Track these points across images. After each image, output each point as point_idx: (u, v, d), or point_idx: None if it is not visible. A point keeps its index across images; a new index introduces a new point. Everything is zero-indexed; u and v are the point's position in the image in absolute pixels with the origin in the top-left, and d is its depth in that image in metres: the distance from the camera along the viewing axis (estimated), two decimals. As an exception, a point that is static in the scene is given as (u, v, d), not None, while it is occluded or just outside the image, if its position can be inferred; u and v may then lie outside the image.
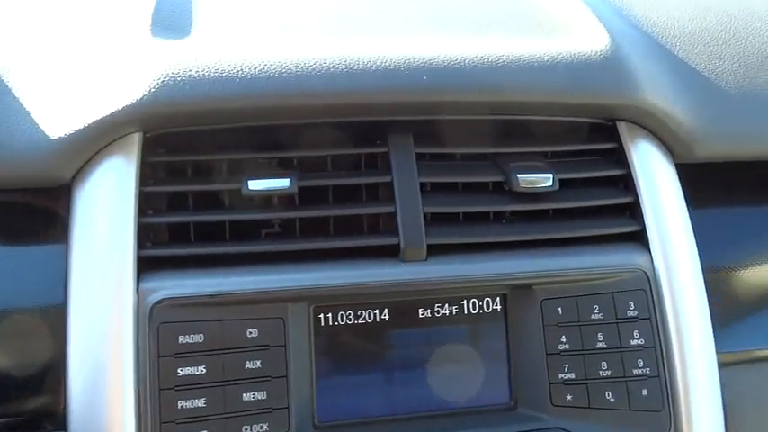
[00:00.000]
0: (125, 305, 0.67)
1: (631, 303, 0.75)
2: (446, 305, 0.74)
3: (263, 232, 0.74)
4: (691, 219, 0.81)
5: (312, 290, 0.70)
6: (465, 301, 0.74)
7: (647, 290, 0.76)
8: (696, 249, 0.79)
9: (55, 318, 0.69)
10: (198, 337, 0.67)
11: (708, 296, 0.79)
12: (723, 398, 0.77)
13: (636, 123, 0.82)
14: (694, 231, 0.80)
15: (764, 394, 0.81)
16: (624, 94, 0.79)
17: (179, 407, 0.66)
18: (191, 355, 0.67)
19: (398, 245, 0.72)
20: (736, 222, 0.89)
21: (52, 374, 0.68)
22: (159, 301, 0.67)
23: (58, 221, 0.72)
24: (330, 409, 0.71)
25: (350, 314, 0.72)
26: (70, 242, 0.70)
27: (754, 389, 0.81)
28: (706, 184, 0.86)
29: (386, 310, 0.73)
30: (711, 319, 0.78)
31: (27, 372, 0.70)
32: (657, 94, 0.81)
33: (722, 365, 0.78)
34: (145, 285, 0.68)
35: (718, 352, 0.78)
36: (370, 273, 0.71)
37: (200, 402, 0.66)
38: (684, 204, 0.81)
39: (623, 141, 0.81)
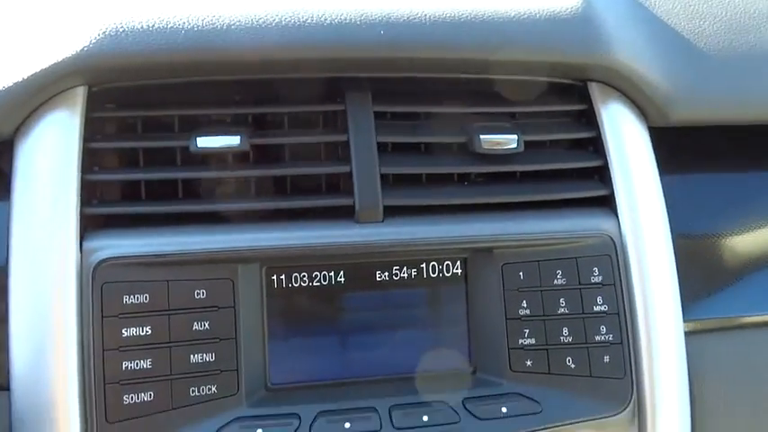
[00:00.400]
0: (68, 264, 0.65)
1: (596, 269, 0.73)
2: (404, 268, 0.72)
3: (215, 192, 0.71)
4: (662, 184, 0.78)
5: (263, 251, 0.68)
6: (424, 265, 0.72)
7: (612, 255, 0.74)
8: (666, 215, 0.77)
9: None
10: (143, 298, 0.65)
11: (676, 264, 0.77)
12: (689, 366, 0.75)
13: (608, 85, 0.79)
14: (665, 197, 0.78)
15: (731, 363, 0.79)
16: (595, 53, 0.76)
17: (123, 368, 0.64)
18: (136, 315, 0.65)
19: (353, 206, 0.70)
20: (708, 189, 0.87)
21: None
22: (103, 261, 0.65)
23: (1, 177, 0.70)
24: (284, 371, 0.69)
25: (304, 276, 0.70)
26: (12, 199, 0.68)
27: (720, 357, 0.79)
28: (679, 148, 0.84)
29: (341, 273, 0.71)
30: (679, 287, 0.76)
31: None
32: (631, 54, 0.78)
33: (688, 334, 0.76)
34: (88, 244, 0.66)
35: (684, 320, 0.76)
36: (324, 234, 0.69)
37: (145, 364, 0.64)
38: (656, 169, 0.79)
39: (594, 103, 0.79)
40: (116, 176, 0.69)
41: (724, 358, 0.79)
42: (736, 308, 0.81)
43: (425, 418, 0.67)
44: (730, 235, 0.84)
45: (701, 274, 0.81)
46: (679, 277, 0.76)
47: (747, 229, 0.85)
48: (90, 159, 0.68)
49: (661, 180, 0.78)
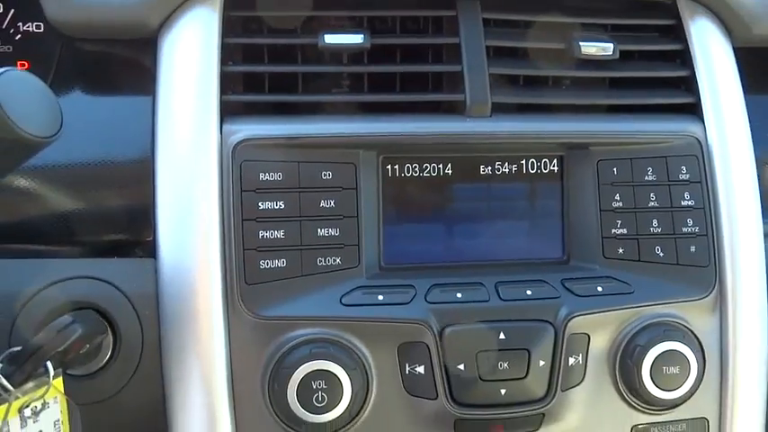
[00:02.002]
0: (210, 145, 0.72)
1: (683, 167, 0.79)
2: (506, 163, 0.78)
3: (337, 87, 0.78)
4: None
5: (382, 137, 0.74)
6: (524, 161, 0.78)
7: (698, 156, 0.79)
8: (747, 124, 0.82)
9: (145, 159, 0.74)
10: (277, 176, 0.72)
11: (757, 170, 0.82)
12: (767, 263, 0.81)
13: (695, 1, 0.84)
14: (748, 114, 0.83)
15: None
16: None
17: (260, 236, 0.71)
18: (271, 191, 0.72)
19: (464, 101, 0.76)
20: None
21: (143, 208, 0.74)
22: (241, 141, 0.72)
23: (146, 72, 0.77)
24: (396, 253, 0.76)
25: (416, 167, 0.76)
26: (157, 90, 0.75)
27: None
28: (763, 71, 0.89)
29: (449, 165, 0.77)
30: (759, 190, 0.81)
31: (121, 206, 0.76)
32: None
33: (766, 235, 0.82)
34: (228, 127, 0.73)
35: (765, 221, 0.81)
36: (437, 125, 0.76)
37: (279, 234, 0.71)
38: (739, 82, 0.84)
39: (683, 18, 0.84)
40: (252, 68, 0.76)
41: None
42: None
43: (529, 293, 0.73)
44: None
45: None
46: (759, 184, 0.82)
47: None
48: (227, 53, 0.75)
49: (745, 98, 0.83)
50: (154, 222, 0.73)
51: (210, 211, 0.71)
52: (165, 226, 0.73)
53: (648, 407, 0.76)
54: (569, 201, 0.78)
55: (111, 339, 0.72)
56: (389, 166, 0.76)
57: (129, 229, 0.75)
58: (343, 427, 0.70)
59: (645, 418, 0.76)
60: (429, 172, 0.77)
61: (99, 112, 0.79)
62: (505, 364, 0.71)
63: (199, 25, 0.75)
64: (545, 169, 0.79)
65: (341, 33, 0.75)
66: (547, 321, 0.72)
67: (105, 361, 0.71)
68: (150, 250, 0.73)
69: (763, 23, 0.85)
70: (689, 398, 0.75)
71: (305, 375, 0.68)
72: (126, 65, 0.80)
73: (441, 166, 0.77)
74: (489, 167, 0.78)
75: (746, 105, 0.83)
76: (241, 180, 0.72)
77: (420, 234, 0.77)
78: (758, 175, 0.82)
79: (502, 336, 0.71)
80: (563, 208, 0.78)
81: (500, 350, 0.71)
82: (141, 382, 0.72)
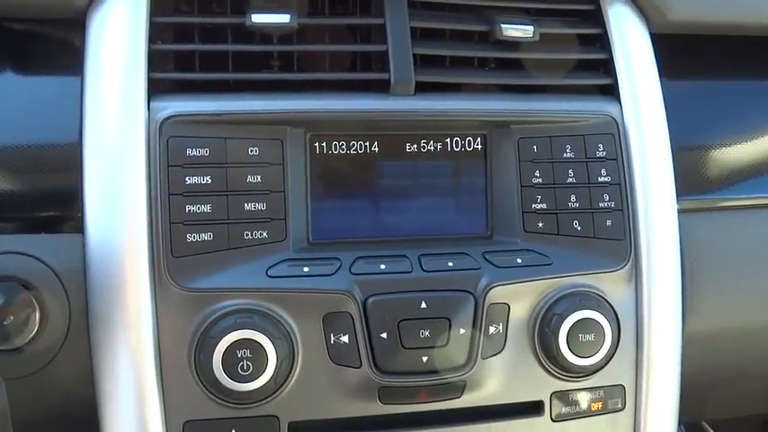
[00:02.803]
0: (138, 121, 0.73)
1: (600, 145, 0.82)
2: (431, 141, 0.80)
3: (264, 66, 0.80)
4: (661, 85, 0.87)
5: (309, 113, 0.76)
6: (449, 139, 0.81)
7: (615, 134, 0.83)
8: (663, 105, 0.86)
9: (73, 137, 0.75)
10: (204, 151, 0.74)
11: (672, 151, 0.86)
12: (682, 241, 0.85)
13: None
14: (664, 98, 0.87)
15: (721, 241, 0.89)
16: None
17: (187, 210, 0.72)
18: (197, 166, 0.73)
19: (389, 80, 0.78)
20: (703, 91, 0.96)
21: (71, 185, 0.74)
22: (168, 117, 0.73)
23: (74, 52, 0.78)
24: (323, 228, 0.78)
25: (342, 144, 0.78)
26: (85, 68, 0.76)
27: (711, 235, 0.89)
28: (677, 57, 0.93)
29: (375, 143, 0.79)
30: (674, 170, 0.85)
31: (48, 184, 0.76)
32: None
33: (682, 212, 0.86)
34: (156, 104, 0.74)
35: (679, 199, 0.85)
36: (362, 103, 0.78)
37: (205, 208, 0.73)
38: (655, 66, 0.88)
39: (601, 3, 0.87)
40: (180, 47, 0.78)
41: (715, 236, 0.89)
42: (726, 191, 0.91)
43: (450, 264, 0.76)
44: (724, 131, 0.93)
45: (694, 162, 0.90)
46: (674, 162, 0.86)
47: (739, 128, 0.94)
48: (156, 32, 0.76)
49: (661, 82, 0.87)
50: (81, 198, 0.74)
51: (137, 187, 0.72)
52: (93, 202, 0.74)
53: (566, 374, 0.79)
54: (492, 178, 0.81)
55: (38, 314, 0.72)
56: (317, 144, 0.78)
57: (57, 206, 0.76)
58: (269, 396, 0.72)
59: (563, 385, 0.79)
60: (356, 149, 0.79)
61: (27, 91, 0.79)
62: (427, 333, 0.73)
63: (127, 4, 0.76)
64: (469, 147, 0.81)
65: (268, 13, 0.77)
66: (467, 291, 0.75)
67: (32, 335, 0.72)
68: (78, 226, 0.74)
69: (677, 10, 0.89)
70: (605, 365, 0.79)
71: (230, 344, 0.70)
72: (55, 44, 0.81)
73: (367, 143, 0.79)
74: (415, 145, 0.80)
75: (663, 89, 0.87)
76: (168, 155, 0.73)
77: (348, 210, 0.79)
78: (673, 155, 0.86)
79: (423, 305, 0.74)
80: (486, 185, 0.81)
81: (422, 319, 0.74)
82: (68, 356, 0.73)
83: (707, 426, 1.42)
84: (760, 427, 1.43)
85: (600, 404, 0.81)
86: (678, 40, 0.92)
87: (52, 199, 0.76)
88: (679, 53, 0.92)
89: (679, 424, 0.89)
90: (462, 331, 0.74)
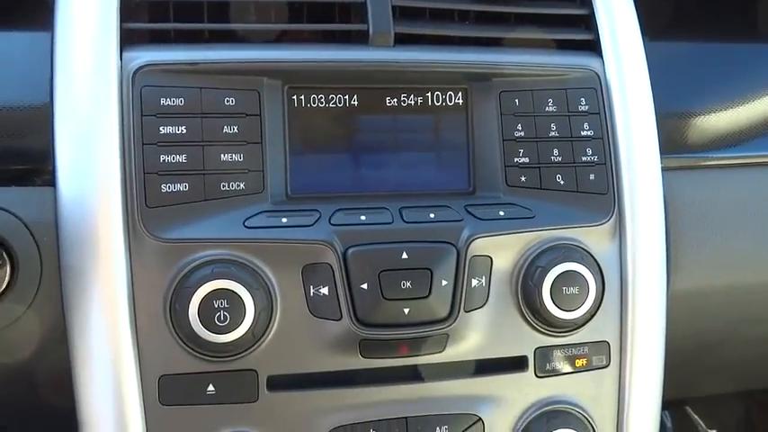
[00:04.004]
0: (110, 71, 0.72)
1: (583, 99, 0.81)
2: (411, 95, 0.79)
3: (241, 16, 0.78)
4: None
5: (286, 64, 0.75)
6: (429, 93, 0.79)
7: (597, 88, 0.82)
8: (645, 61, 0.85)
9: (42, 85, 0.73)
10: (179, 101, 0.72)
11: (655, 110, 0.85)
12: (665, 197, 0.84)
13: None
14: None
15: (703, 197, 0.88)
16: None
17: (161, 160, 0.71)
18: (172, 115, 0.72)
19: (368, 31, 0.77)
20: (685, 51, 0.96)
21: (42, 138, 0.73)
22: (141, 67, 0.72)
23: (45, 6, 0.76)
24: (302, 182, 0.76)
25: (321, 98, 0.77)
26: (55, 19, 0.74)
27: (693, 192, 0.88)
28: (659, 15, 0.92)
29: (355, 96, 0.78)
30: (657, 128, 0.84)
31: (18, 137, 0.74)
32: None
33: (666, 169, 0.85)
34: (129, 54, 0.73)
35: (662, 157, 0.84)
36: (341, 53, 0.77)
37: (180, 158, 0.71)
38: (636, 21, 0.87)
39: None
40: None
41: (698, 194, 0.88)
42: (710, 150, 0.90)
43: (432, 216, 0.75)
44: (707, 91, 0.93)
45: (677, 120, 0.90)
46: (657, 120, 0.85)
47: (723, 88, 0.94)
48: None
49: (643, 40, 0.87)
50: (53, 150, 0.72)
51: (110, 137, 0.71)
52: (65, 153, 0.72)
53: (550, 328, 0.78)
54: (474, 132, 0.80)
55: (9, 268, 0.70)
56: (295, 97, 0.76)
57: (28, 159, 0.74)
58: (247, 349, 0.70)
59: (547, 341, 0.78)
60: (335, 103, 0.77)
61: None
62: (408, 284, 0.72)
63: (99, -48, 0.74)
64: (450, 102, 0.80)
65: (244, -38, 0.76)
66: (449, 243, 0.74)
67: (2, 289, 0.70)
68: (50, 180, 0.72)
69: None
70: (589, 319, 0.78)
71: (206, 294, 0.68)
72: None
73: (347, 97, 0.78)
74: (395, 99, 0.79)
75: (645, 48, 0.86)
76: (141, 105, 0.71)
77: (327, 164, 0.78)
78: (656, 113, 0.85)
79: (404, 255, 0.72)
80: (468, 140, 0.80)
81: (403, 269, 0.72)
82: (40, 310, 0.71)
83: (690, 410, 1.42)
84: (741, 409, 1.43)
85: (584, 360, 0.80)
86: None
87: (23, 152, 0.74)
88: (659, 11, 0.92)
89: (663, 409, 0.88)
90: (444, 283, 0.73)
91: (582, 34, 0.85)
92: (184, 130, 0.72)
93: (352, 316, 0.72)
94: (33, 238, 0.71)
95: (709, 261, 0.89)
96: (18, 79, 0.75)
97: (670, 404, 1.22)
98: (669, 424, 1.28)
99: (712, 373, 1.12)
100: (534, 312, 0.77)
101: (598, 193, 0.80)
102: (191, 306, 0.68)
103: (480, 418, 0.76)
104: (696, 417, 1.41)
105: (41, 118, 0.73)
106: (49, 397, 0.76)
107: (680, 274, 0.86)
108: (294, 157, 0.76)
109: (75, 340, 0.71)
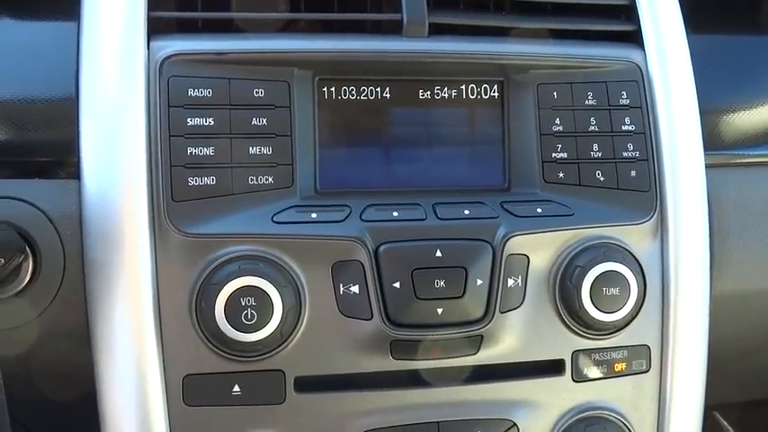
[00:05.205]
0: (137, 61, 0.70)
1: (624, 92, 0.78)
2: (445, 88, 0.76)
3: (271, 6, 0.76)
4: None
5: (317, 54, 0.72)
6: (464, 86, 0.77)
7: (639, 81, 0.78)
8: (688, 53, 0.82)
9: (69, 75, 0.71)
10: (207, 92, 0.70)
11: (699, 106, 0.81)
12: (709, 194, 0.80)
13: None
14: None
15: (749, 196, 0.85)
16: None
17: (188, 153, 0.69)
18: (200, 107, 0.69)
19: (401, 20, 0.74)
20: (730, 45, 0.92)
21: (67, 130, 0.71)
22: (169, 56, 0.70)
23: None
24: (331, 177, 0.74)
25: (352, 89, 0.74)
26: (82, 8, 0.72)
27: (739, 189, 0.84)
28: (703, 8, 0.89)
29: (387, 88, 0.75)
30: (701, 123, 0.81)
31: (44, 128, 0.72)
32: None
33: (710, 166, 0.81)
34: (156, 44, 0.71)
35: (705, 153, 0.81)
36: (373, 44, 0.74)
37: (208, 151, 0.69)
38: (680, 12, 0.83)
39: None
40: None
41: (743, 193, 0.85)
42: (750, 146, 0.87)
43: (467, 212, 0.72)
44: (751, 86, 0.89)
45: (721, 116, 0.86)
46: (701, 114, 0.81)
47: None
48: None
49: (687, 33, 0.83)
50: (78, 142, 0.70)
51: (137, 129, 0.69)
52: (90, 145, 0.70)
53: (589, 331, 0.74)
54: (510, 127, 0.77)
55: (32, 262, 0.68)
56: (325, 89, 0.74)
57: (53, 151, 0.72)
58: (275, 348, 0.68)
59: (586, 344, 0.75)
60: (367, 95, 0.75)
61: (23, 35, 0.76)
62: (442, 283, 0.69)
63: (127, -59, 0.72)
64: (485, 95, 0.77)
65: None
66: (485, 241, 0.71)
67: (24, 283, 0.68)
68: (74, 172, 0.70)
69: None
70: (630, 321, 0.75)
71: (233, 292, 0.66)
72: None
73: (378, 89, 0.75)
74: (428, 92, 0.76)
75: (688, 40, 0.83)
76: (169, 96, 0.69)
77: (357, 158, 0.75)
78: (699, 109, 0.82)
79: (438, 253, 0.70)
80: (504, 135, 0.77)
81: (437, 268, 0.69)
82: (62, 305, 0.69)
83: (719, 416, 1.37)
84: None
85: (624, 365, 0.76)
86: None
87: (47, 144, 0.72)
88: (702, 2, 0.88)
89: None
90: (479, 282, 0.70)
91: (623, 25, 0.82)
92: (212, 122, 0.70)
93: (384, 316, 0.69)
94: (57, 231, 0.69)
95: (753, 262, 0.85)
96: (44, 70, 0.73)
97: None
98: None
99: (753, 378, 1.08)
100: (572, 314, 0.73)
101: (639, 190, 0.77)
102: (217, 303, 0.66)
103: (515, 424, 0.73)
104: (725, 423, 1.37)
105: (66, 109, 0.71)
106: (71, 395, 0.74)
107: (723, 275, 0.83)
108: (324, 151, 0.73)
109: (98, 337, 0.69)
